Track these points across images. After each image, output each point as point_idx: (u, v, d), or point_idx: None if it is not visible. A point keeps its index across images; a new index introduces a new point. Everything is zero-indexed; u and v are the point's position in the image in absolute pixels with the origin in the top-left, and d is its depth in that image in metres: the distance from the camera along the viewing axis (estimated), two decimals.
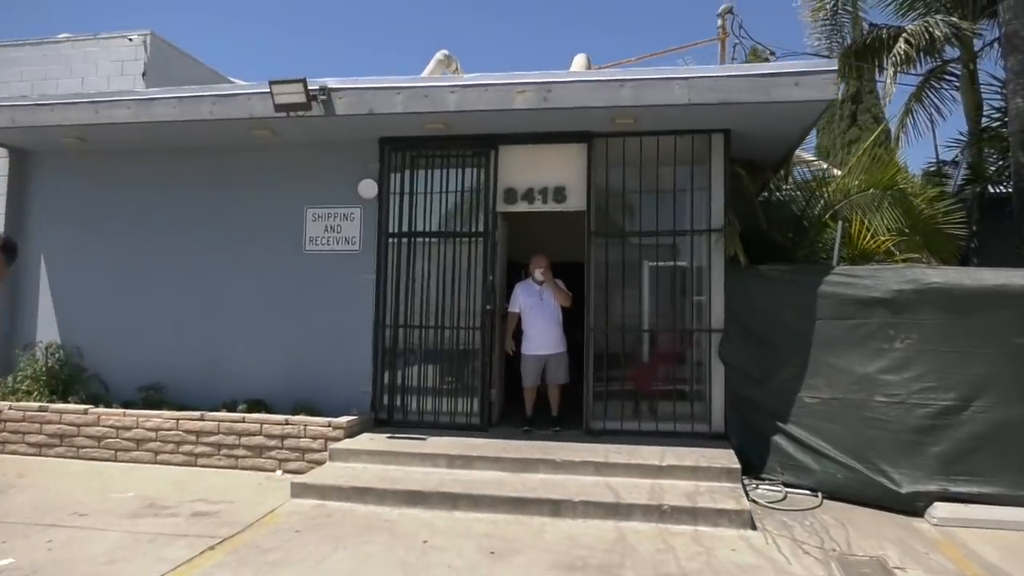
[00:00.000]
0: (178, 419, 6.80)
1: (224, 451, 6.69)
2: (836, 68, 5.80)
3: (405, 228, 7.37)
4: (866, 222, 7.03)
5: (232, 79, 10.06)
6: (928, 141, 23.25)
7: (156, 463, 6.75)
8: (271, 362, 7.40)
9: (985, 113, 9.76)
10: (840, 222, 6.86)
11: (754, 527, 5.03)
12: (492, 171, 7.17)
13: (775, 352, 6.26)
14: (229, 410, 6.95)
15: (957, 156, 10.10)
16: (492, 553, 4.57)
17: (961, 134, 9.99)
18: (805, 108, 6.06)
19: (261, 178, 7.66)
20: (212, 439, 6.72)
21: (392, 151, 7.38)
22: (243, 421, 6.70)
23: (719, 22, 11.83)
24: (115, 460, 6.83)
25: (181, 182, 7.83)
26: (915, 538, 5.00)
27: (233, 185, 7.72)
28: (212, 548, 4.61)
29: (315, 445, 6.51)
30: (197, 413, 6.82)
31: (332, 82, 6.62)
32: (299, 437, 6.56)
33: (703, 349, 6.82)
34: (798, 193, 8.04)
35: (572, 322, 7.34)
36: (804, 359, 6.08)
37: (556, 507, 5.24)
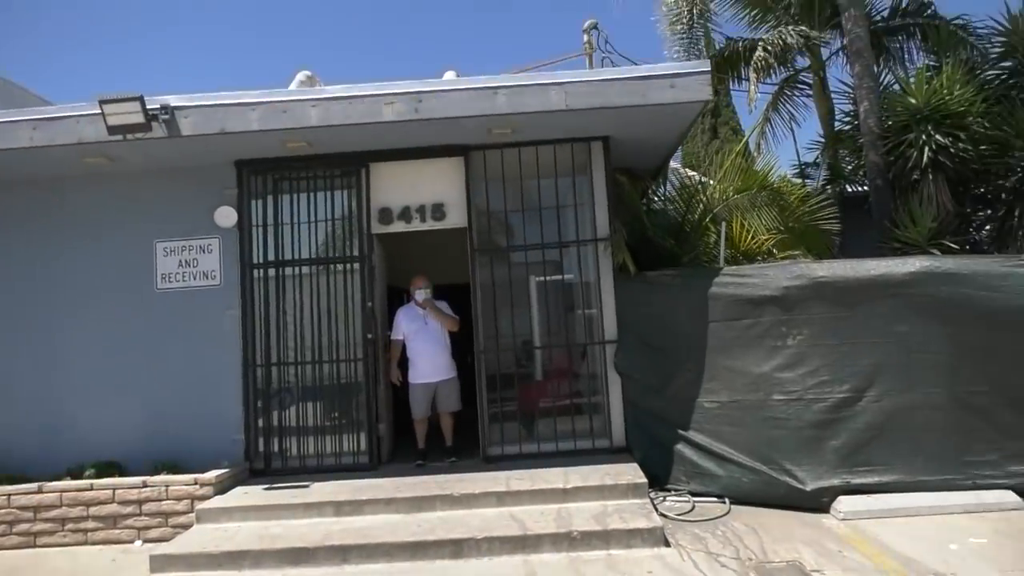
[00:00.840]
0: (9, 495, 5.80)
1: (70, 526, 5.76)
2: (710, 69, 5.76)
3: (271, 257, 6.72)
4: (745, 224, 7.11)
5: None
6: (789, 147, 25.14)
7: None
8: (124, 417, 6.48)
9: (837, 118, 10.30)
10: (722, 224, 6.88)
11: (667, 544, 4.80)
12: (364, 191, 6.68)
13: (671, 359, 6.10)
14: (74, 477, 6.01)
15: (817, 158, 10.59)
16: None
17: (820, 135, 10.48)
18: (681, 110, 5.99)
19: (99, 212, 6.75)
20: (54, 513, 5.77)
21: (251, 175, 6.74)
22: (91, 488, 5.79)
23: (584, 37, 11.91)
24: None
25: (2, 223, 6.81)
26: (826, 536, 4.91)
27: (66, 223, 6.75)
28: None
29: (180, 507, 5.72)
30: (34, 485, 5.84)
31: (175, 99, 5.91)
32: (160, 500, 5.74)
33: (598, 362, 6.59)
34: (676, 200, 8.07)
35: (463, 346, 6.95)
36: (700, 363, 5.96)
37: (458, 547, 4.78)
